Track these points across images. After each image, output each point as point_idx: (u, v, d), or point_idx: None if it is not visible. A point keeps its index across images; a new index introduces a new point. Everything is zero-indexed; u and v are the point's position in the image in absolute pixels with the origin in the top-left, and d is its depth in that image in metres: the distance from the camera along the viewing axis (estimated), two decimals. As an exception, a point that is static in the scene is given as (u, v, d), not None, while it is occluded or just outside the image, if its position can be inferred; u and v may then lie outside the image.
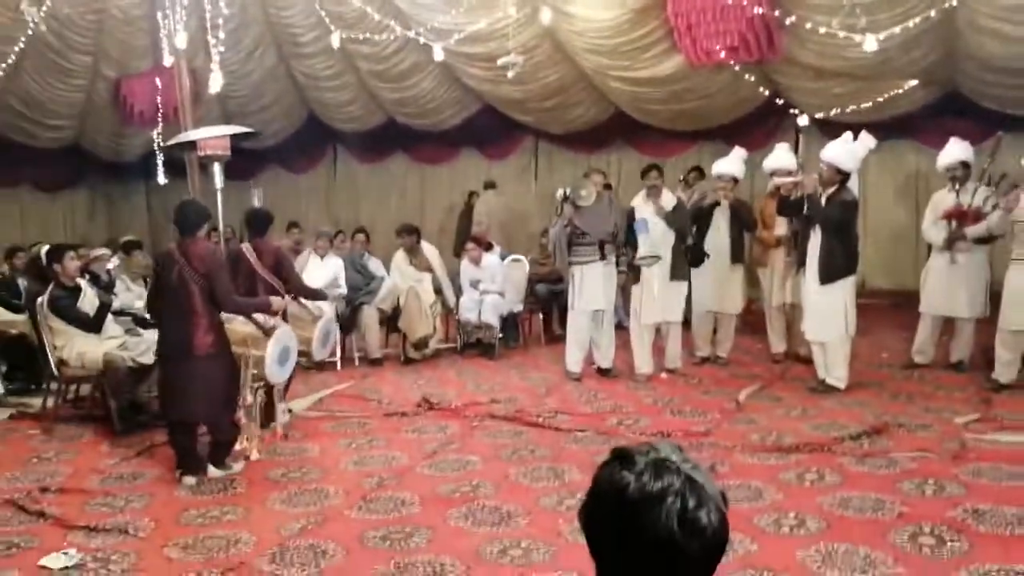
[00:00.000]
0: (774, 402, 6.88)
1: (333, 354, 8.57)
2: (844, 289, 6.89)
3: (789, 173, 7.50)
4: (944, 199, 7.61)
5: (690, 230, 7.91)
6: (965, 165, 7.54)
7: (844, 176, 6.86)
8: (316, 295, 7.14)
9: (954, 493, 4.72)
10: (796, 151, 8.62)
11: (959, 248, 7.41)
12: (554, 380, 7.90)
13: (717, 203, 8.13)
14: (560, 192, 7.74)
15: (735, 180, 8.26)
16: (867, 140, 7.11)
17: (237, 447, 5.74)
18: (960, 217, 7.39)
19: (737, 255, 8.24)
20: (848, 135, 7.10)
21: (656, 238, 7.56)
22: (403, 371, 8.63)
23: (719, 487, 1.43)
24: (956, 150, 7.58)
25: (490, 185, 13.59)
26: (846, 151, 6.92)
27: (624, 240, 7.69)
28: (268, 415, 6.28)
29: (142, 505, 5.00)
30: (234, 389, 5.64)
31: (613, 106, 12.57)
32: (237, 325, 5.72)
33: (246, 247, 6.73)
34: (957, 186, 7.52)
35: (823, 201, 6.86)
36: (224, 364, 5.48)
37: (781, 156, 8.00)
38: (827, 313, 6.90)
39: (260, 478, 5.42)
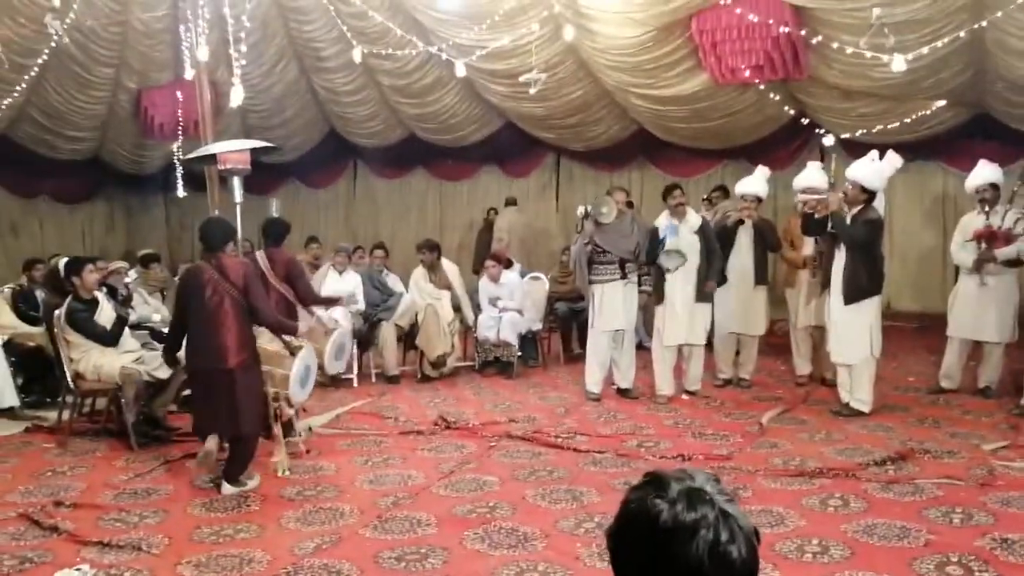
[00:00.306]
0: (797, 426, 6.82)
1: (349, 371, 8.59)
2: (869, 310, 6.84)
3: (817, 193, 7.45)
4: (973, 221, 7.56)
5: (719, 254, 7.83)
6: (995, 187, 7.49)
7: (870, 195, 6.83)
8: (328, 302, 7.27)
9: (982, 522, 4.65)
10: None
11: (988, 271, 7.35)
12: (573, 400, 7.87)
13: (741, 221, 8.08)
14: (581, 209, 7.74)
15: (759, 199, 8.21)
16: (893, 159, 7.08)
17: (274, 459, 5.81)
18: (990, 238, 7.33)
19: (760, 276, 8.17)
20: (874, 153, 7.06)
21: (684, 248, 7.53)
22: (420, 389, 8.62)
23: (752, 522, 1.42)
24: (986, 172, 7.54)
25: (511, 202, 13.66)
26: (872, 170, 6.89)
27: (649, 259, 7.65)
28: (284, 433, 6.30)
29: (156, 521, 5.00)
30: (264, 404, 5.68)
31: (635, 124, 12.60)
32: (263, 343, 5.79)
33: (259, 255, 6.84)
34: (987, 208, 7.47)
35: (848, 220, 6.82)
36: (257, 378, 5.59)
37: (813, 175, 7.87)
38: (852, 334, 6.85)
39: (275, 496, 5.42)
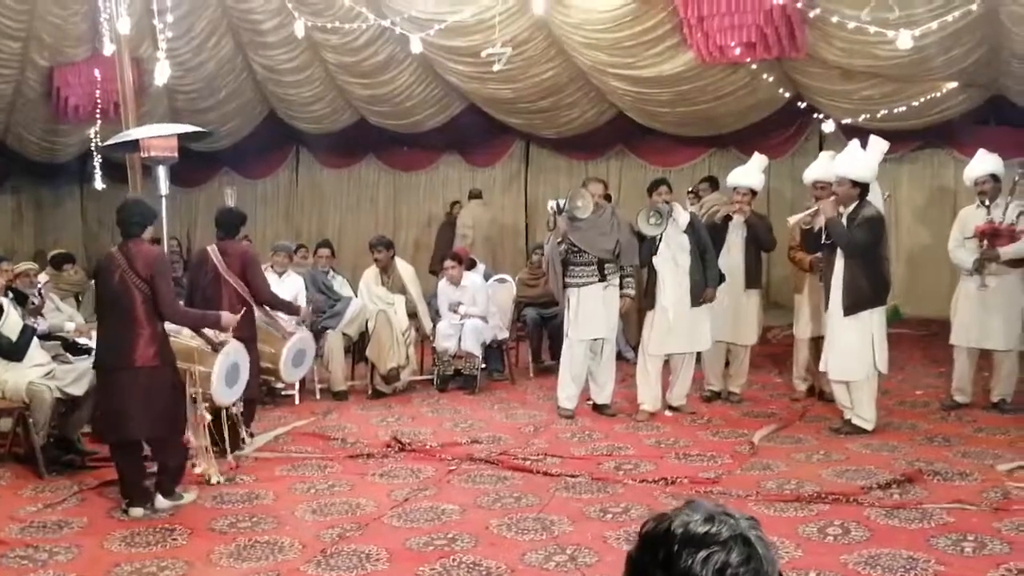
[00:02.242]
0: (793, 445, 6.88)
1: (291, 386, 8.54)
2: (872, 322, 6.86)
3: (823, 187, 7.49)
4: (972, 216, 7.64)
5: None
6: (995, 178, 7.57)
7: (862, 189, 6.87)
8: (288, 308, 7.41)
9: (996, 551, 4.71)
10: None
11: (990, 271, 7.41)
12: (543, 418, 7.88)
13: (729, 217, 8.09)
14: (553, 204, 7.74)
15: (753, 192, 8.23)
16: (878, 144, 7.10)
17: (196, 471, 5.82)
18: (992, 235, 7.38)
19: (753, 278, 8.18)
20: (855, 143, 7.11)
21: (674, 248, 7.55)
22: (371, 406, 8.59)
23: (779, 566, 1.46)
24: (985, 162, 7.64)
25: (475, 195, 13.65)
26: (859, 161, 6.94)
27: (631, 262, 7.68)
28: (233, 441, 6.43)
29: (68, 559, 4.94)
30: (180, 407, 5.70)
31: (613, 108, 12.64)
32: (184, 338, 5.85)
33: (212, 248, 7.00)
34: (987, 202, 7.54)
35: (844, 222, 6.85)
36: (167, 379, 5.59)
37: (824, 166, 7.81)
38: (852, 349, 6.87)
39: (204, 528, 5.37)
